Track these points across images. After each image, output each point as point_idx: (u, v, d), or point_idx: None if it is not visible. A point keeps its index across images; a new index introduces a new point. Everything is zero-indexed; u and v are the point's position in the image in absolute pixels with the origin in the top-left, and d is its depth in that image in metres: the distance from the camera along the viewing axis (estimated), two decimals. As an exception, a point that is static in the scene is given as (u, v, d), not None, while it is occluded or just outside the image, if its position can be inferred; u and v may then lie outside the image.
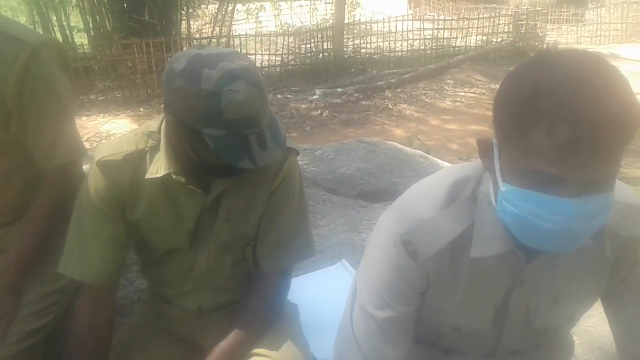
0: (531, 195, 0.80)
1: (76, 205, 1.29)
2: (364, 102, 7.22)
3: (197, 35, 9.47)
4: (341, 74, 8.62)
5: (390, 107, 7.02)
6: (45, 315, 1.48)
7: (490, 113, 0.88)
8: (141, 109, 6.81)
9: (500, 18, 10.69)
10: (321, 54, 9.10)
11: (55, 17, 8.20)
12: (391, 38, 9.56)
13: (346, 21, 9.81)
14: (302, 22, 11.09)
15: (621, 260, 1.00)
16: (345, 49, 9.37)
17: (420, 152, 3.65)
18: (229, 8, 9.28)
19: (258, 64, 8.47)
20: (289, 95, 7.42)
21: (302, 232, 1.37)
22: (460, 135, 5.97)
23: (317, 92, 7.42)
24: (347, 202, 2.82)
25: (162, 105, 1.20)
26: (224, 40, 8.67)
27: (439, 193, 1.00)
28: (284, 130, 1.18)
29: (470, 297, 1.03)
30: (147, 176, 1.22)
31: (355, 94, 7.42)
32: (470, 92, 7.66)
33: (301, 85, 8.09)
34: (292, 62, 8.86)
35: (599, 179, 0.77)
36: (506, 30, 10.54)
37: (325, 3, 12.14)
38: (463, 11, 13.12)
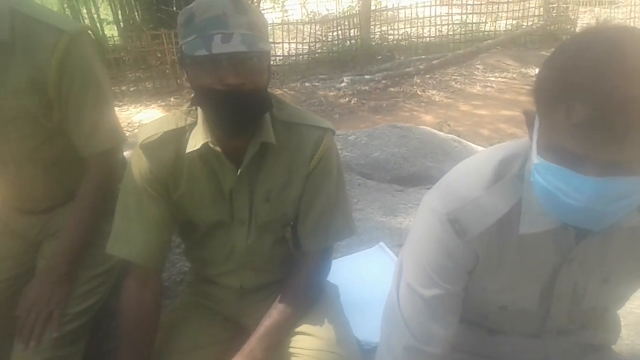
0: (557, 170, 0.80)
1: (121, 189, 1.33)
2: (392, 89, 7.14)
3: (224, 25, 9.45)
4: (369, 61, 8.53)
5: (419, 93, 6.94)
6: (92, 296, 1.53)
7: (522, 97, 0.87)
8: (172, 99, 6.88)
9: (531, 1, 10.39)
10: (348, 42, 9.02)
11: (85, 10, 8.31)
12: (419, 24, 9.40)
13: (373, 8, 9.68)
14: (328, 10, 10.99)
15: None
16: (372, 36, 9.26)
17: (454, 136, 3.61)
18: (256, -3, 9.29)
19: (285, 53, 8.47)
20: (316, 84, 7.41)
21: (341, 212, 1.38)
22: (490, 121, 5.85)
23: (345, 79, 7.37)
24: (382, 186, 2.81)
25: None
26: (250, 30, 8.64)
27: (485, 171, 0.99)
28: (268, 45, 1.17)
29: (517, 275, 1.02)
30: (187, 150, 1.25)
31: (383, 81, 7.34)
32: (501, 77, 7.49)
33: (329, 73, 8.06)
34: (319, 51, 8.81)
35: (621, 160, 0.75)
36: (537, 13, 10.27)
37: (352, -10, 12.04)
38: (492, -5, 12.84)
